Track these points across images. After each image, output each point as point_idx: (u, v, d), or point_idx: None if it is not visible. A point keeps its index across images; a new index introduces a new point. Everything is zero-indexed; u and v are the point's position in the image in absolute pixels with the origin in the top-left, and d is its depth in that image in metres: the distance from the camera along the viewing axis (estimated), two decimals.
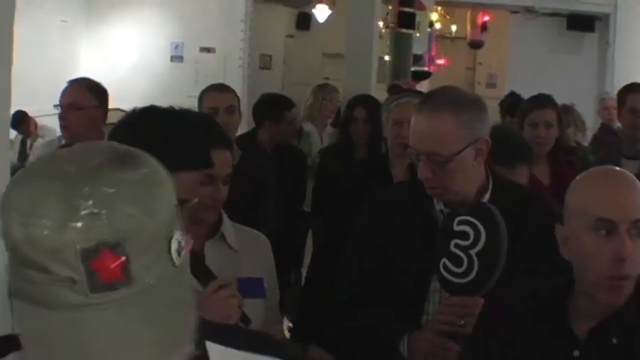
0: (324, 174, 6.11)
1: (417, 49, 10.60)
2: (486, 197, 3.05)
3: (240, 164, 5.11)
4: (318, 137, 7.90)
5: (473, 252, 2.86)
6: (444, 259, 2.92)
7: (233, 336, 1.51)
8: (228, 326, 1.62)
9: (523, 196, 3.14)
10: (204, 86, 10.99)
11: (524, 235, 2.97)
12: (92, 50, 11.57)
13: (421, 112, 3.00)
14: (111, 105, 4.98)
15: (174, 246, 1.29)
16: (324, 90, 8.16)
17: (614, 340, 2.29)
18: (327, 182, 5.78)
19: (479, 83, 13.74)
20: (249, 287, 3.10)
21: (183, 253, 1.31)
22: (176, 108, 3.14)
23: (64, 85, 4.98)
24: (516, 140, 3.95)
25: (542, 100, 5.08)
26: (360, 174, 4.85)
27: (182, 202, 2.50)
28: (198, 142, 2.57)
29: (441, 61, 15.41)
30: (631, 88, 5.75)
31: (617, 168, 2.47)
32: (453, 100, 2.98)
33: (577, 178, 2.41)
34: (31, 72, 7.82)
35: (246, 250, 3.18)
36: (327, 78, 12.42)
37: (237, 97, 5.23)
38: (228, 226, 3.17)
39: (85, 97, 4.84)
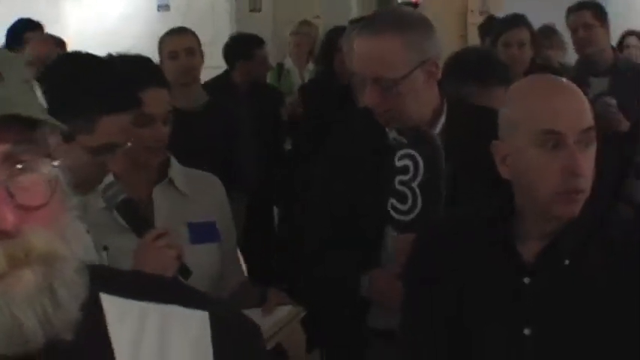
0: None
1: None
2: (442, 120, 2.89)
3: (210, 107, 5.00)
4: (298, 74, 7.76)
5: (415, 185, 2.73)
6: (392, 199, 2.78)
7: (133, 285, 1.37)
8: (129, 274, 1.46)
9: (480, 115, 2.92)
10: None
11: (484, 156, 2.81)
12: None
13: (364, 34, 2.84)
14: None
15: None
16: (301, 26, 8.00)
17: (566, 262, 2.14)
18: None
19: (472, 11, 13.45)
20: (201, 232, 2.99)
21: None
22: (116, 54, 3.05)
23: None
24: (491, 60, 3.75)
25: (516, 20, 4.94)
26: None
27: (112, 147, 2.42)
28: (118, 84, 2.48)
29: None
30: (571, 9, 5.53)
31: (558, 77, 2.31)
32: (398, 21, 2.81)
33: (513, 87, 2.25)
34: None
35: (196, 193, 3.05)
36: (317, 17, 12.27)
37: (197, 40, 5.19)
38: (176, 170, 3.04)
39: None
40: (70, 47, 5.45)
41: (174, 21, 10.33)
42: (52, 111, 2.29)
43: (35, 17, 6.46)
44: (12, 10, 8.42)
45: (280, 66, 7.72)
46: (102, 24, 10.34)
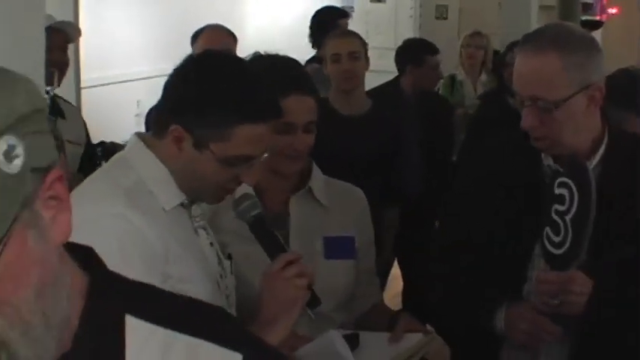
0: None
1: None
2: (601, 151, 2.69)
3: (373, 113, 4.88)
4: (471, 86, 7.55)
5: (568, 218, 2.52)
6: (547, 228, 2.59)
7: (168, 311, 1.27)
8: (169, 298, 1.33)
9: None
10: (374, 37, 10.84)
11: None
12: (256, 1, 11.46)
13: (524, 51, 2.65)
14: None
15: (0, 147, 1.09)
16: (472, 37, 7.79)
17: None
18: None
19: None
20: (337, 247, 2.87)
21: (18, 161, 1.09)
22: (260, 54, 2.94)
23: None
24: None
25: None
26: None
27: (247, 159, 2.28)
28: (260, 92, 2.30)
29: (613, 10, 14.58)
30: None
31: None
32: (561, 39, 2.61)
33: None
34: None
35: (337, 206, 2.93)
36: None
37: (363, 43, 5.01)
38: (317, 180, 2.92)
39: None
40: (248, 45, 5.42)
41: (355, 24, 10.32)
42: (186, 112, 2.22)
43: (213, 17, 6.50)
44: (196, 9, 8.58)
45: (452, 77, 7.54)
46: (278, 25, 10.39)
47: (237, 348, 1.24)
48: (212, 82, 2.26)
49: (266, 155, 2.34)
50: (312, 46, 6.71)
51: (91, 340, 1.18)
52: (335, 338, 2.45)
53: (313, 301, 2.36)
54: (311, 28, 6.87)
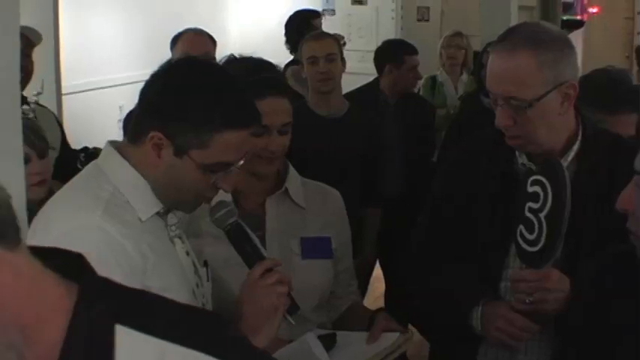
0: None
1: None
2: (575, 149, 2.69)
3: (351, 114, 4.89)
4: (452, 87, 7.56)
5: (542, 215, 2.53)
6: (521, 226, 2.60)
7: (161, 320, 1.25)
8: (163, 306, 1.32)
9: (617, 147, 2.72)
10: (356, 39, 10.83)
11: (617, 191, 2.60)
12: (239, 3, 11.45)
13: (497, 50, 2.65)
14: None
15: None
16: (453, 38, 7.80)
17: None
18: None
19: (638, 33, 12.92)
20: (314, 247, 2.88)
21: None
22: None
23: None
24: (624, 84, 3.48)
25: None
26: None
27: (226, 165, 2.25)
28: (238, 99, 2.29)
29: (593, 10, 14.60)
30: None
31: None
32: (534, 37, 2.60)
33: None
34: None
35: (314, 206, 2.94)
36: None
37: (339, 45, 5.03)
38: (293, 181, 2.93)
39: None
40: (231, 49, 5.43)
41: (336, 27, 10.34)
42: (167, 119, 2.20)
43: (196, 21, 6.50)
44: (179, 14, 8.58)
45: (433, 78, 7.55)
46: (261, 28, 10.38)
47: (228, 358, 1.23)
48: (193, 90, 2.23)
49: (242, 162, 2.32)
50: (290, 52, 6.74)
51: (78, 351, 1.17)
52: (311, 341, 2.45)
53: (292, 308, 2.36)
54: (286, 32, 6.94)
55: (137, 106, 2.32)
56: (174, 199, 2.31)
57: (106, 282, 1.29)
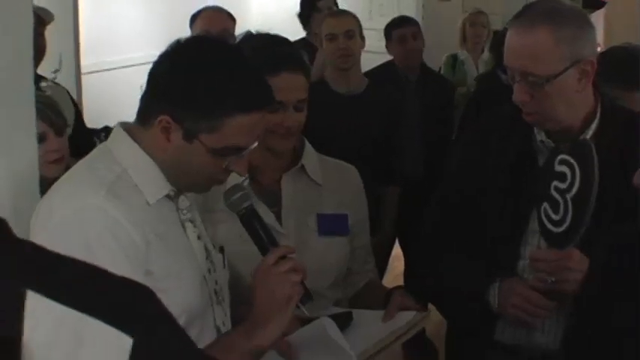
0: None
1: None
2: (593, 127, 2.67)
3: (370, 91, 4.87)
4: (473, 65, 7.51)
5: (569, 196, 2.50)
6: (545, 204, 2.57)
7: (72, 285, 1.22)
8: (80, 270, 1.28)
9: (634, 123, 2.67)
10: (377, 19, 10.79)
11: (635, 168, 2.57)
12: None
13: (515, 26, 2.63)
14: None
15: None
16: (477, 16, 7.74)
17: None
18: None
19: None
20: (330, 224, 2.87)
21: None
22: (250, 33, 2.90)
23: None
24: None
25: None
26: None
27: (237, 150, 2.20)
28: (250, 82, 2.21)
29: None
30: None
31: None
32: (552, 14, 2.58)
33: None
34: None
35: (331, 183, 2.92)
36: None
37: (358, 23, 4.97)
38: (310, 157, 2.91)
39: None
40: (252, 28, 5.40)
41: (357, 5, 10.33)
42: (175, 102, 2.16)
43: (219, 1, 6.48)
44: None
45: (454, 57, 7.51)
46: (282, 6, 10.33)
47: (129, 329, 1.20)
48: (202, 71, 2.16)
49: (255, 145, 2.26)
50: (304, 28, 6.71)
51: None
52: (327, 324, 2.42)
53: (305, 297, 2.28)
54: (300, 7, 6.85)
55: (145, 88, 2.25)
56: (185, 182, 2.26)
57: (24, 245, 1.27)
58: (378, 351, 2.52)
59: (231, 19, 5.39)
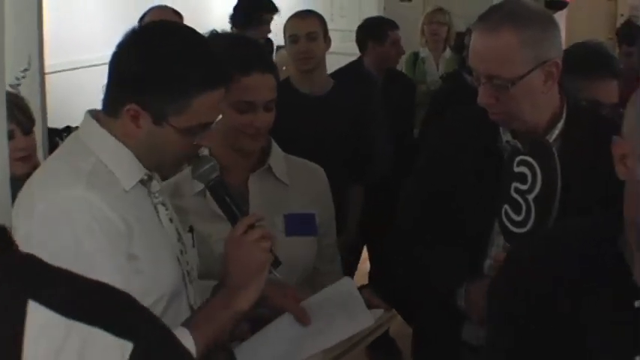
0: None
1: None
2: (559, 127, 2.69)
3: (335, 92, 4.87)
4: (434, 64, 7.53)
5: (530, 197, 2.52)
6: (505, 205, 2.59)
7: (69, 297, 1.24)
8: (72, 282, 1.31)
9: (602, 123, 2.71)
10: (339, 20, 10.78)
11: (602, 167, 2.60)
12: None
13: (479, 28, 2.64)
14: None
15: None
16: (435, 14, 7.77)
17: None
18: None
19: (622, 15, 12.91)
20: (298, 224, 2.89)
21: None
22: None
23: None
24: (599, 53, 3.50)
25: None
26: None
27: (204, 126, 2.24)
28: (212, 62, 2.25)
29: None
30: None
31: None
32: (516, 15, 2.59)
33: None
34: None
35: (297, 183, 2.95)
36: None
37: (323, 23, 4.95)
38: (277, 158, 2.93)
39: None
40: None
41: (319, 6, 10.34)
42: (141, 90, 2.18)
43: (179, 1, 6.46)
44: None
45: (415, 54, 7.53)
46: None
47: (130, 336, 1.22)
48: (164, 55, 2.18)
49: (219, 117, 2.35)
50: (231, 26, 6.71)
51: None
52: (350, 284, 2.56)
53: (276, 262, 2.37)
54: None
55: (108, 79, 2.27)
56: (160, 164, 2.32)
57: (25, 256, 1.28)
58: (345, 349, 2.53)
59: (178, 16, 5.42)
